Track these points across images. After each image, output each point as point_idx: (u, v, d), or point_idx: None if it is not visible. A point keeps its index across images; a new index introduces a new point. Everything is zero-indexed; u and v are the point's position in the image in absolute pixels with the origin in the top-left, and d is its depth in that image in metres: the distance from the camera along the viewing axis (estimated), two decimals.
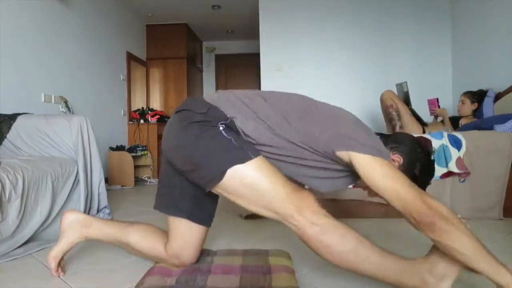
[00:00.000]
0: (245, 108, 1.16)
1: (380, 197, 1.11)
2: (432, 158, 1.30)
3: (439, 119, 3.27)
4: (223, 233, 2.05)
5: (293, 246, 1.75)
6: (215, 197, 1.29)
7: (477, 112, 3.08)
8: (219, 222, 2.33)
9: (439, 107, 3.25)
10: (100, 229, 1.39)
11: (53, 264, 1.37)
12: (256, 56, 4.80)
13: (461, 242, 0.97)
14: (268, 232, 2.05)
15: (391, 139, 1.28)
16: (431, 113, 3.28)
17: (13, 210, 1.71)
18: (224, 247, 1.71)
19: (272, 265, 1.32)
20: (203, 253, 1.45)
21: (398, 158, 1.23)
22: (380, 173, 1.05)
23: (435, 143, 2.29)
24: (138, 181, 4.65)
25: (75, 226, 1.38)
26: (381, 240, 1.77)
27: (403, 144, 1.25)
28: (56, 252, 1.38)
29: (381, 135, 1.31)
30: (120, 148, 4.48)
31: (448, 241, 0.97)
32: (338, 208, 2.32)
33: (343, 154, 1.09)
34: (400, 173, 1.06)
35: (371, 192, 1.21)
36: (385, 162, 1.07)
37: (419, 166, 1.24)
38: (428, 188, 2.28)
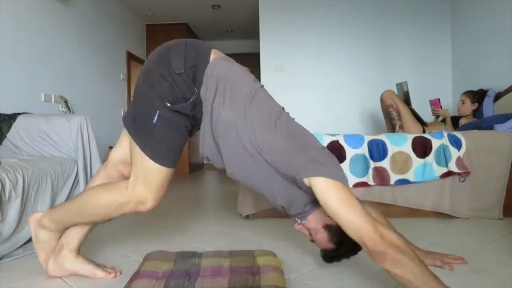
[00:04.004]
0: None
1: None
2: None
3: (440, 118, 3.28)
4: (225, 233, 2.06)
5: (295, 245, 1.75)
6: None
7: (477, 112, 3.08)
8: (220, 220, 2.34)
9: (441, 107, 3.25)
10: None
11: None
12: (256, 56, 4.80)
13: (413, 274, 0.95)
14: (270, 231, 2.04)
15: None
16: (433, 114, 3.29)
17: (13, 209, 1.71)
18: (225, 248, 1.71)
19: (261, 265, 1.32)
20: (190, 255, 1.43)
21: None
22: (338, 197, 1.05)
23: (435, 143, 2.29)
24: None
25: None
26: None
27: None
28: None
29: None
30: None
31: (400, 271, 0.96)
32: None
33: (308, 180, 1.11)
34: (356, 201, 1.06)
35: (312, 236, 1.28)
36: (345, 187, 1.08)
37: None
38: (429, 188, 2.29)
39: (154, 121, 1.17)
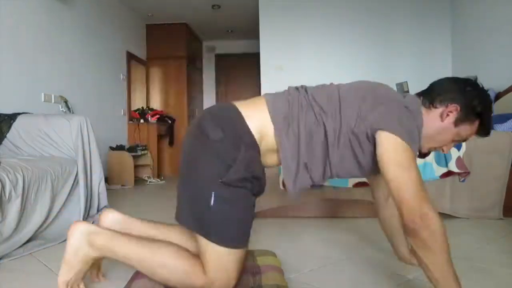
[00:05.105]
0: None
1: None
2: (481, 86, 1.15)
3: None
4: None
5: (295, 245, 1.75)
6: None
7: None
8: None
9: None
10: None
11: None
12: (256, 56, 4.80)
13: (435, 262, 0.93)
14: (270, 231, 2.04)
15: (433, 92, 1.19)
16: None
17: (13, 209, 1.71)
18: None
19: (261, 265, 1.32)
20: None
21: (454, 108, 1.12)
22: (398, 159, 0.99)
23: None
24: (138, 180, 4.65)
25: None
26: (381, 240, 1.77)
27: (450, 90, 1.16)
28: None
29: (418, 94, 1.24)
30: (120, 147, 4.48)
31: (423, 255, 0.95)
32: (338, 207, 2.32)
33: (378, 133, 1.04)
34: (417, 169, 0.99)
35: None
36: (410, 151, 1.01)
37: (478, 102, 1.11)
38: (429, 188, 2.28)
39: (212, 203, 1.07)
